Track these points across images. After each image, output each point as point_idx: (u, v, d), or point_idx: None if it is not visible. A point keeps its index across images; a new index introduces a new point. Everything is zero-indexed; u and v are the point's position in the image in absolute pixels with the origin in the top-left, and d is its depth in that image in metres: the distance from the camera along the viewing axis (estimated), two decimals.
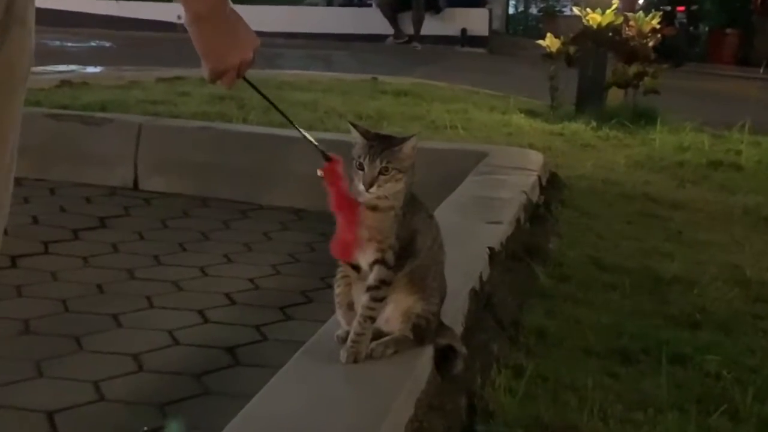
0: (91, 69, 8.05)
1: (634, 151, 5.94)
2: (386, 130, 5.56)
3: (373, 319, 1.99)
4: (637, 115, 7.02)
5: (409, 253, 1.98)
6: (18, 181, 5.06)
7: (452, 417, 2.06)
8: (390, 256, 1.95)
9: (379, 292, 1.97)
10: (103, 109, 5.27)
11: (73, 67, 8.23)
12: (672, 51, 12.42)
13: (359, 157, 1.87)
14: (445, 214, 3.42)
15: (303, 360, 2.06)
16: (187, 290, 3.39)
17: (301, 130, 1.91)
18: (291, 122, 1.93)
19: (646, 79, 7.22)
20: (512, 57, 14.71)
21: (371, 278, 1.96)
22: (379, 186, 1.86)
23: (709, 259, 3.71)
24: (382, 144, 1.87)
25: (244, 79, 1.71)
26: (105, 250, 3.78)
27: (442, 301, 2.09)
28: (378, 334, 2.03)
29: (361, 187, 1.87)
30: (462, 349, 2.17)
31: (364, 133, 1.91)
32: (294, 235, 4.17)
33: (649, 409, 2.29)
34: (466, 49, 16.29)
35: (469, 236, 3.14)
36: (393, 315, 2.03)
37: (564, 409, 2.23)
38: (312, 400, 1.87)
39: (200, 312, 3.16)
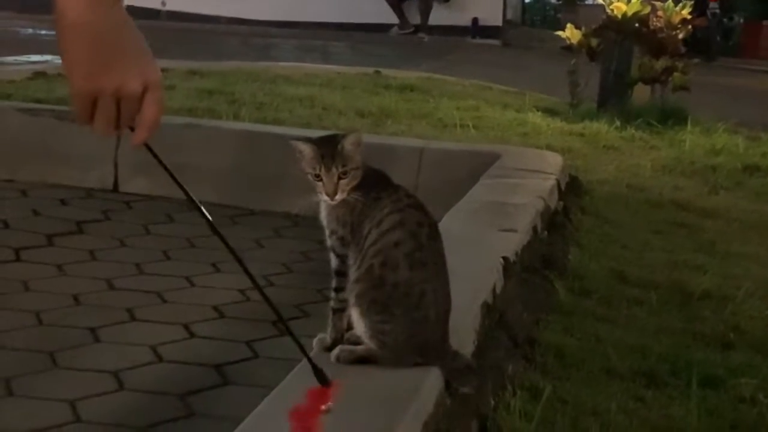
0: None
1: (661, 154, 5.94)
2: (390, 128, 5.59)
3: (333, 311, 2.12)
4: (665, 115, 7.02)
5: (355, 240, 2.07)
6: None
7: None
8: (335, 242, 2.09)
9: (332, 281, 2.11)
10: None
11: (47, 57, 8.24)
12: (704, 44, 12.44)
13: (314, 168, 2.03)
14: (454, 221, 3.43)
15: (298, 380, 2.06)
16: (171, 302, 3.39)
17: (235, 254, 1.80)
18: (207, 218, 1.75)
19: (675, 74, 7.23)
20: (528, 49, 14.74)
21: None
22: (342, 191, 2.03)
23: (744, 272, 3.71)
24: (331, 148, 2.03)
25: (146, 146, 1.42)
26: (82, 258, 3.78)
27: (416, 319, 2.07)
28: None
29: (326, 197, 2.04)
30: (464, 388, 2.15)
31: (311, 142, 2.05)
32: (288, 243, 4.17)
33: None
34: (478, 40, 16.33)
35: (481, 245, 3.14)
36: (357, 327, 2.09)
37: None
38: None
39: (186, 326, 3.16)
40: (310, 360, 1.70)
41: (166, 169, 1.56)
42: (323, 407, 1.62)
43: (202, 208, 1.58)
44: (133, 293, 3.44)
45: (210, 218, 1.61)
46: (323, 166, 2.02)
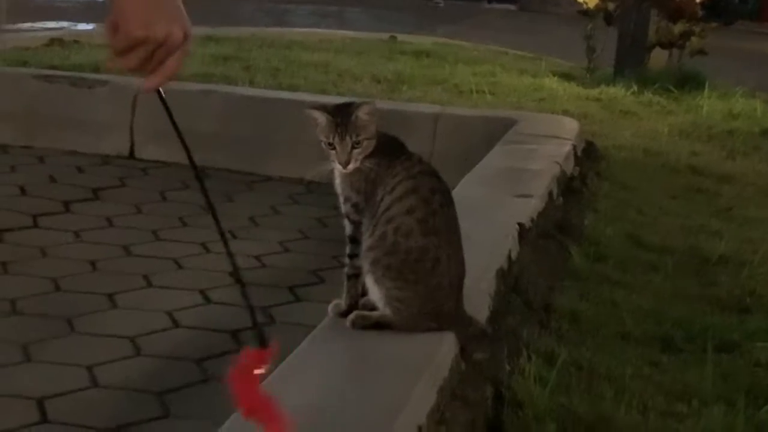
0: (83, 26, 8.07)
1: (678, 119, 5.91)
2: (406, 94, 5.57)
3: (348, 277, 2.14)
4: (683, 79, 6.97)
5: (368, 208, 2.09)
6: (3, 149, 5.06)
7: (477, 407, 2.07)
8: (349, 209, 2.11)
9: (347, 248, 2.13)
10: (96, 70, 5.28)
11: (63, 23, 8.25)
12: (722, 8, 12.33)
13: (327, 137, 2.04)
14: (470, 186, 3.43)
15: (314, 345, 2.07)
16: (187, 268, 3.41)
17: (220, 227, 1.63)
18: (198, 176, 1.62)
19: (692, 38, 7.17)
20: (545, 14, 14.65)
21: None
22: (355, 160, 2.04)
23: (761, 237, 3.70)
24: (346, 117, 2.03)
25: (158, 92, 1.48)
26: (99, 224, 3.80)
27: (431, 285, 2.07)
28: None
29: (338, 166, 2.05)
30: (479, 354, 2.16)
31: (326, 110, 2.05)
32: (304, 209, 4.18)
33: (693, 401, 2.29)
34: (494, 5, 16.23)
35: (497, 211, 3.14)
36: (371, 293, 2.11)
37: (599, 401, 2.24)
38: (324, 388, 1.88)
39: (202, 292, 3.18)
40: (254, 317, 1.61)
41: (170, 117, 1.55)
42: (261, 369, 1.53)
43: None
44: (150, 259, 3.45)
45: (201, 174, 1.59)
46: (337, 135, 2.03)
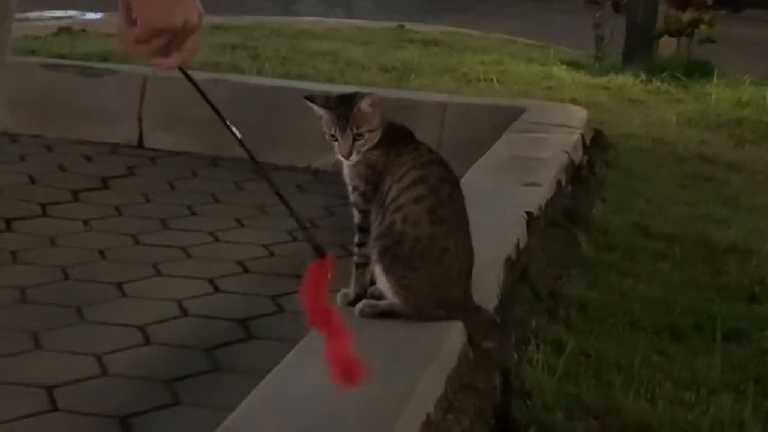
0: (91, 15, 8.06)
1: (687, 107, 5.89)
2: (414, 83, 5.56)
3: (356, 266, 2.16)
4: (691, 67, 6.95)
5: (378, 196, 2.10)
6: (12, 138, 5.06)
7: (485, 396, 2.08)
8: (358, 198, 2.12)
9: (355, 236, 2.15)
10: (104, 59, 5.28)
11: (71, 12, 8.23)
12: None
13: (330, 129, 2.05)
14: (478, 175, 3.42)
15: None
16: (196, 257, 3.41)
17: (272, 181, 1.67)
18: (244, 147, 1.68)
19: (701, 26, 7.14)
20: (553, 2, 14.60)
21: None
22: (357, 152, 2.05)
23: None
24: (347, 110, 2.04)
25: (181, 70, 1.51)
26: (107, 213, 3.80)
27: (439, 274, 2.07)
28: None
29: (341, 158, 2.07)
30: (487, 342, 2.17)
31: (326, 105, 2.06)
32: (312, 198, 4.17)
33: (702, 390, 2.29)
34: None
35: (505, 200, 3.13)
36: (379, 282, 2.12)
37: (607, 389, 2.24)
38: None
39: (211, 281, 3.18)
40: (306, 231, 1.69)
41: (202, 94, 1.60)
42: (327, 276, 1.60)
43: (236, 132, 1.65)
44: (159, 248, 3.45)
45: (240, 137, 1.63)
46: (338, 128, 2.04)
